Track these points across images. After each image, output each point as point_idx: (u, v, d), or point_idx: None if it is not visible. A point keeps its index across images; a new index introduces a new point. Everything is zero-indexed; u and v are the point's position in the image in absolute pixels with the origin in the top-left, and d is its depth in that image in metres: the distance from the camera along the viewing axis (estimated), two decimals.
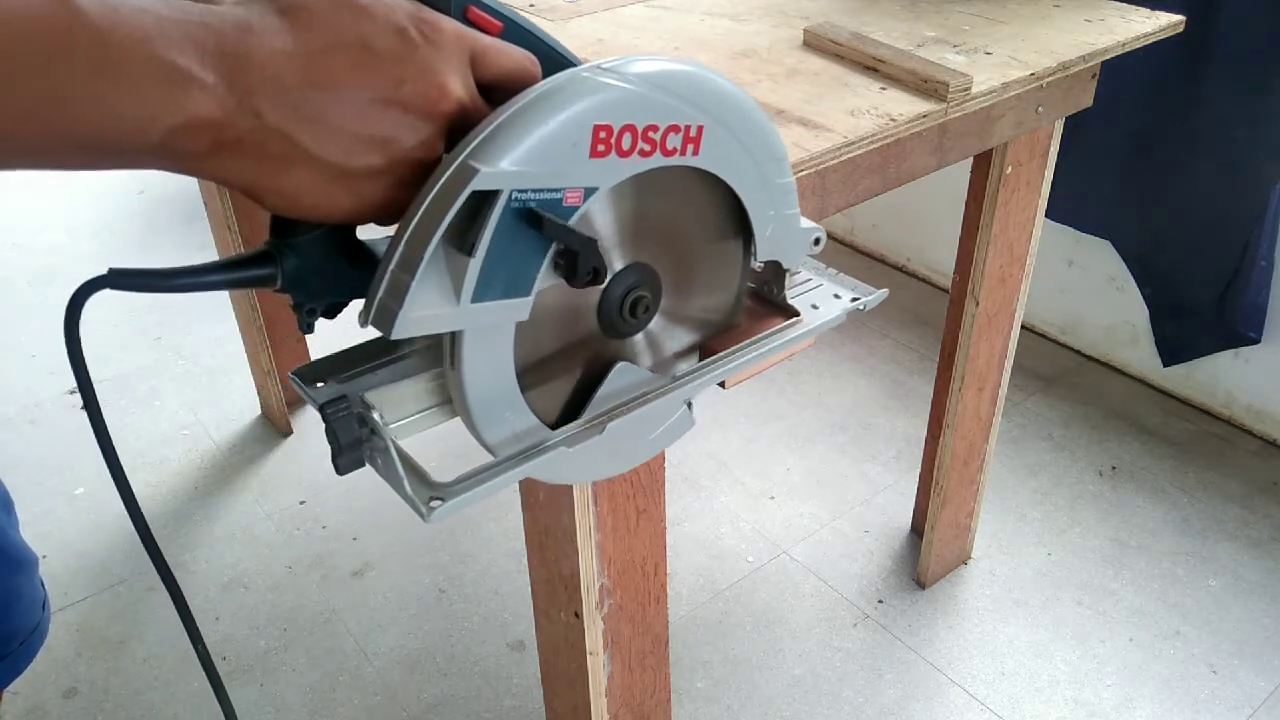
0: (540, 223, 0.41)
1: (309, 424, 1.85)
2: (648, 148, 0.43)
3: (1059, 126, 1.13)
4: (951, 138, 0.95)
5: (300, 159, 0.38)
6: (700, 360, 0.56)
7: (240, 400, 1.91)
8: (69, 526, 1.63)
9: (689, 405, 0.55)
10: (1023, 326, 1.33)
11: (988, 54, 0.97)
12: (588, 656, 0.90)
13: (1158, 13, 1.08)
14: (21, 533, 0.85)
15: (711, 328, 0.56)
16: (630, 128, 0.42)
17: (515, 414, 0.47)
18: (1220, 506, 1.65)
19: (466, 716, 1.33)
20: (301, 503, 1.67)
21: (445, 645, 1.43)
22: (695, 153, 0.46)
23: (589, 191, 0.42)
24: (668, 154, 0.44)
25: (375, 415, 0.45)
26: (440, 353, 0.47)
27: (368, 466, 0.47)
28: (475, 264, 0.40)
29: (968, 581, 1.52)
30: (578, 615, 0.88)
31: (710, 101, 0.45)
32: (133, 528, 1.60)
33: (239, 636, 1.44)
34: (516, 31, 0.47)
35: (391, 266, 0.40)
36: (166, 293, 0.42)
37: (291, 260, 0.44)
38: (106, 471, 0.46)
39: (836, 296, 0.60)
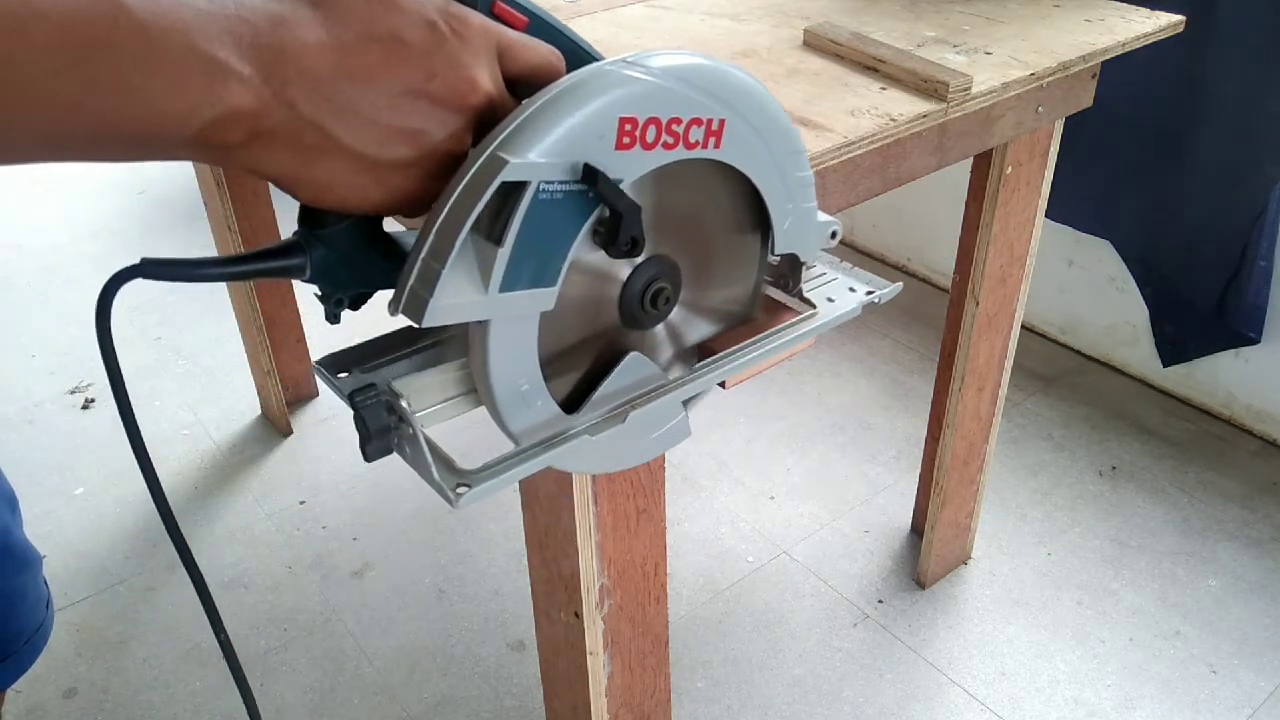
0: (595, 178, 0.42)
1: (309, 424, 1.85)
2: (671, 140, 0.44)
3: (1059, 126, 1.13)
4: (951, 138, 0.95)
5: (333, 150, 0.38)
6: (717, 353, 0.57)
7: (240, 400, 1.91)
8: (69, 526, 1.63)
9: (686, 411, 0.55)
10: (1023, 326, 1.33)
11: (988, 54, 0.97)
12: (588, 656, 0.90)
13: (1158, 13, 1.08)
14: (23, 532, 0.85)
15: (729, 320, 0.57)
16: (654, 120, 0.43)
17: (539, 403, 0.48)
18: (1220, 506, 1.65)
19: (466, 716, 1.33)
20: (301, 503, 1.67)
21: (445, 645, 1.43)
22: (717, 146, 0.46)
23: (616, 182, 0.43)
24: (690, 147, 0.45)
25: (403, 403, 0.46)
26: (463, 343, 0.47)
27: (379, 461, 0.47)
28: (504, 253, 0.41)
29: (968, 581, 1.52)
30: (578, 615, 0.88)
31: (732, 95, 0.46)
32: (131, 527, 1.59)
33: (239, 636, 1.44)
34: (541, 26, 0.48)
35: (422, 255, 0.41)
36: (197, 282, 0.43)
37: (320, 251, 0.44)
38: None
39: (851, 290, 0.61)
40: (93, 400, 1.91)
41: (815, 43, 0.99)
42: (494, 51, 0.42)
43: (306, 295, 2.04)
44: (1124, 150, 1.73)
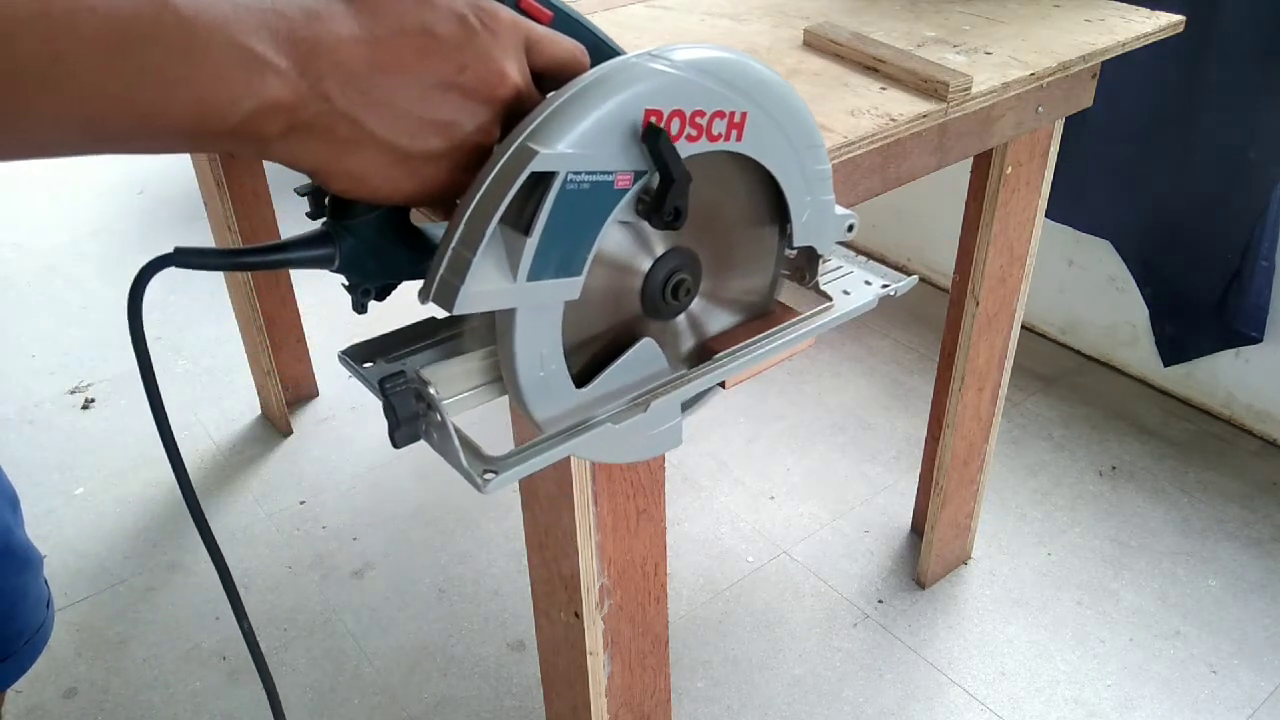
0: (658, 136, 0.43)
1: (309, 424, 1.85)
2: (694, 133, 0.45)
3: (1059, 126, 1.13)
4: (951, 138, 0.95)
5: (366, 141, 0.39)
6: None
7: (240, 400, 1.91)
8: (69, 526, 1.63)
9: (681, 417, 0.55)
10: (1023, 326, 1.33)
11: (988, 54, 0.97)
12: (588, 656, 0.90)
13: (1158, 13, 1.08)
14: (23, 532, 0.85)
15: (747, 312, 0.57)
16: (679, 113, 0.44)
17: (563, 392, 0.49)
18: (1220, 506, 1.65)
19: (466, 716, 1.33)
20: (301, 503, 1.67)
21: (445, 645, 1.43)
22: (739, 138, 0.47)
23: (639, 174, 0.44)
24: (713, 139, 0.46)
25: (431, 390, 0.46)
26: (484, 334, 0.48)
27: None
28: (532, 243, 0.41)
29: (968, 581, 1.52)
30: (578, 615, 0.88)
31: (754, 88, 0.46)
32: (131, 527, 1.59)
33: (239, 636, 1.44)
34: (566, 21, 0.49)
35: (453, 245, 0.41)
36: (228, 271, 0.45)
37: (349, 241, 0.45)
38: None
39: (867, 283, 0.61)
40: (93, 400, 1.91)
41: (815, 43, 0.99)
42: (522, 45, 0.43)
43: (306, 295, 2.04)
44: (1124, 150, 1.73)
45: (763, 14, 1.09)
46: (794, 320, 0.58)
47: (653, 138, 0.43)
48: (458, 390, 0.49)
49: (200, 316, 2.15)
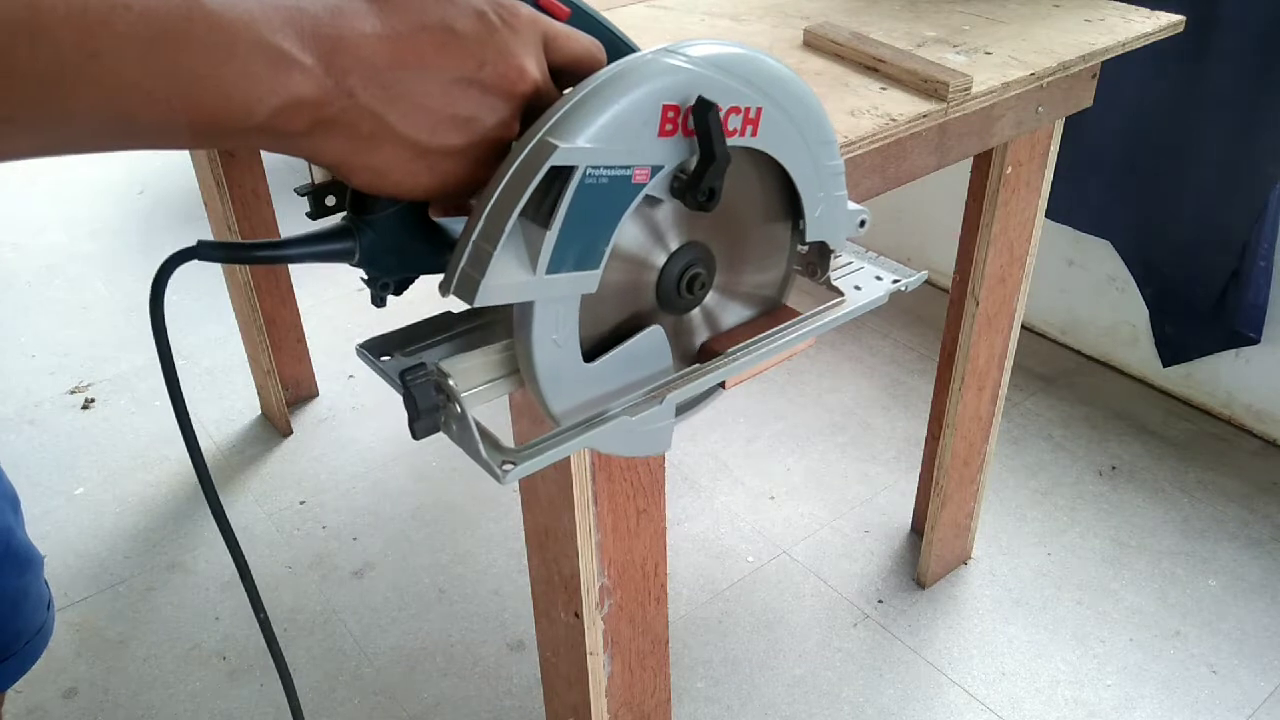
0: (708, 110, 0.43)
1: (309, 424, 1.85)
2: None
3: (1059, 126, 1.13)
4: (951, 138, 0.95)
5: (388, 137, 0.39)
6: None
7: (240, 400, 1.91)
8: (69, 526, 1.63)
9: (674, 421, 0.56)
10: (1023, 326, 1.33)
11: (988, 54, 0.97)
12: (588, 656, 0.90)
13: (1158, 13, 1.08)
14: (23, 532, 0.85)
15: (760, 306, 0.58)
16: None
17: (579, 384, 0.49)
18: (1220, 506, 1.65)
19: (466, 716, 1.33)
20: (301, 503, 1.67)
21: (445, 645, 1.43)
22: (754, 134, 0.47)
23: (655, 169, 0.44)
24: (729, 134, 0.46)
25: (451, 383, 0.47)
26: (498, 328, 0.49)
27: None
28: (551, 236, 0.42)
29: (968, 581, 1.52)
30: (578, 615, 0.88)
31: (768, 84, 0.47)
32: (131, 527, 1.59)
33: (239, 636, 1.44)
34: (583, 18, 0.49)
35: (474, 238, 0.42)
36: (249, 264, 0.46)
37: (369, 236, 0.46)
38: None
39: (878, 278, 0.62)
40: (93, 400, 1.91)
41: (815, 43, 0.99)
42: (540, 41, 0.43)
43: (306, 296, 2.04)
44: (1124, 150, 1.73)
45: (763, 14, 1.09)
46: (808, 314, 0.58)
47: (702, 112, 0.43)
48: (476, 383, 0.49)
49: (200, 316, 2.15)
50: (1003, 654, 1.41)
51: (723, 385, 0.57)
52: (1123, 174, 1.75)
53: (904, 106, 0.86)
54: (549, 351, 0.47)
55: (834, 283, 0.60)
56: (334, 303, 2.21)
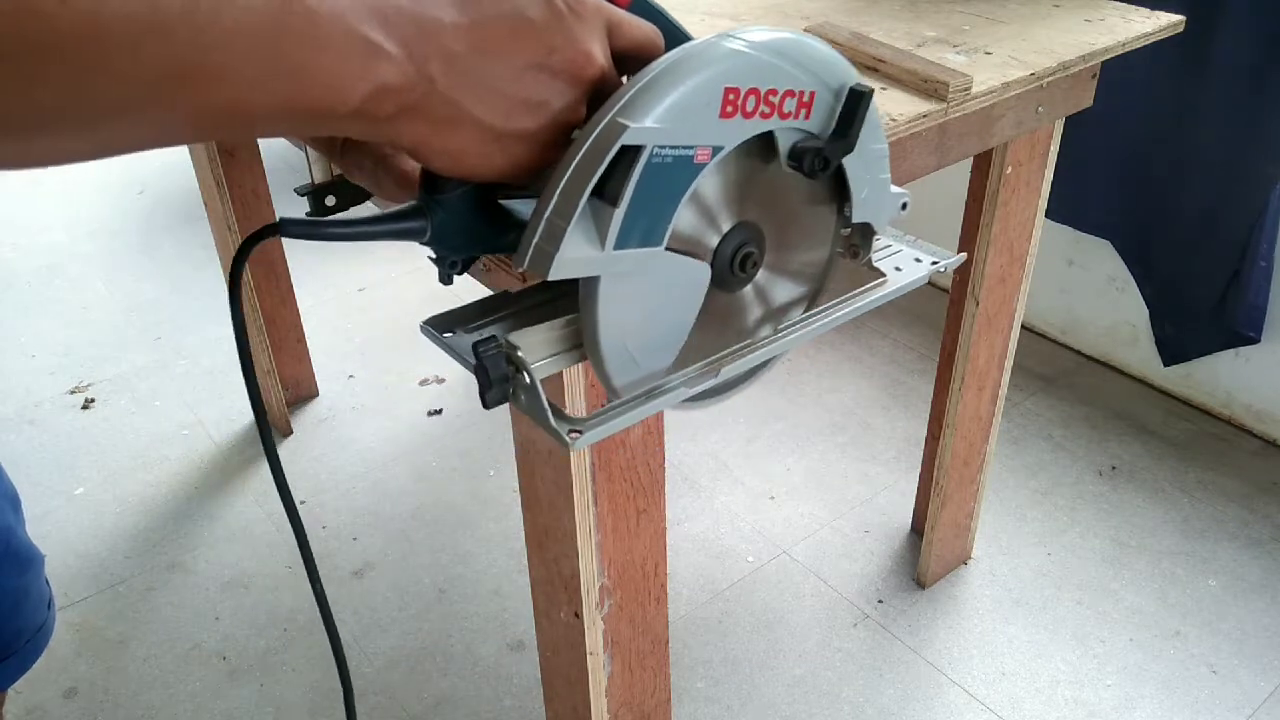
0: (861, 99, 0.49)
1: (309, 424, 1.85)
2: (768, 110, 0.48)
3: (1059, 126, 1.13)
4: (951, 138, 0.95)
5: (464, 121, 0.41)
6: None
7: (240, 400, 1.91)
8: (69, 526, 1.63)
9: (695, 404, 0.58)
10: (1023, 326, 1.33)
11: (988, 54, 0.97)
12: (588, 656, 0.90)
13: (1158, 13, 1.08)
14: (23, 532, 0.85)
15: (806, 284, 0.60)
16: (755, 91, 0.46)
17: (641, 358, 0.52)
18: (1220, 506, 1.65)
19: (466, 716, 1.33)
20: (301, 503, 1.67)
21: (445, 645, 1.43)
22: (807, 116, 0.50)
23: (716, 150, 0.47)
24: (784, 117, 0.48)
25: (520, 354, 0.49)
26: (554, 306, 0.52)
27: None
28: (619, 213, 0.44)
29: (968, 581, 1.52)
30: (578, 615, 0.88)
31: (820, 68, 0.49)
32: (131, 527, 1.58)
33: (239, 636, 1.44)
34: (643, 5, 0.52)
35: (547, 215, 0.44)
36: (329, 241, 0.47)
37: (440, 215, 0.48)
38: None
39: (917, 260, 0.64)
40: (92, 400, 1.91)
41: None
42: (605, 28, 0.45)
43: (306, 295, 2.04)
44: (1124, 150, 1.73)
45: (763, 14, 1.09)
46: (852, 294, 0.60)
47: (855, 98, 0.49)
48: (541, 356, 0.52)
49: (200, 316, 2.15)
50: (1003, 654, 1.41)
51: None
52: (1123, 174, 1.75)
53: (904, 106, 0.86)
54: (613, 326, 0.49)
55: (875, 264, 0.62)
56: (334, 303, 2.21)
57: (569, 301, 0.50)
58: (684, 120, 0.44)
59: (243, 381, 1.92)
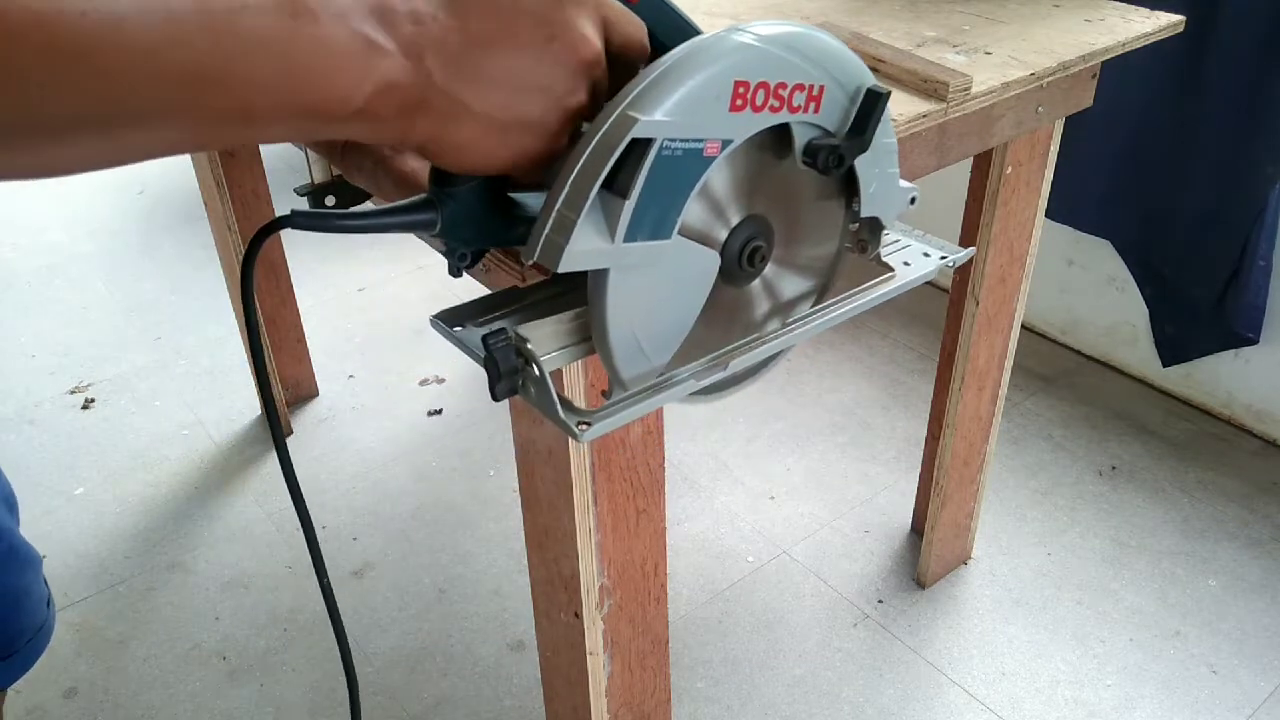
0: (878, 102, 0.49)
1: (309, 424, 1.85)
2: (777, 104, 0.47)
3: (1059, 126, 1.13)
4: (951, 138, 0.95)
5: (465, 115, 0.41)
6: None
7: (240, 400, 1.91)
8: (69, 526, 1.63)
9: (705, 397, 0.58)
10: (1023, 326, 1.33)
11: (988, 54, 0.97)
12: (588, 657, 0.90)
13: (1158, 13, 1.08)
14: (22, 532, 0.85)
15: (814, 278, 0.60)
16: (764, 84, 0.46)
17: (649, 351, 0.51)
18: (1220, 506, 1.65)
19: (466, 716, 1.33)
20: None
21: (445, 645, 1.43)
22: (816, 110, 0.49)
23: (725, 143, 0.46)
24: (794, 110, 0.48)
25: (530, 347, 0.49)
26: (562, 301, 0.52)
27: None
28: (629, 205, 0.44)
29: (968, 581, 1.52)
30: (578, 615, 0.88)
31: (830, 62, 0.49)
32: (131, 527, 1.59)
33: (239, 636, 1.44)
34: (649, 2, 0.51)
35: (557, 207, 0.44)
36: (340, 233, 0.48)
37: (450, 207, 0.48)
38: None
39: (926, 255, 0.64)
40: (93, 400, 1.91)
41: None
42: (600, 20, 0.45)
43: (306, 295, 2.04)
44: (1124, 150, 1.73)
45: (762, 13, 1.09)
46: (860, 288, 0.60)
47: (873, 99, 0.49)
48: (550, 349, 0.52)
49: (200, 316, 2.15)
50: (1003, 654, 1.41)
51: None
52: (1122, 174, 1.75)
53: (904, 106, 0.86)
54: (622, 319, 0.49)
55: (884, 259, 0.61)
56: (334, 303, 2.21)
57: (577, 295, 0.50)
58: (694, 113, 0.44)
59: (242, 381, 1.92)
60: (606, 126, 0.43)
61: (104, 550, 1.59)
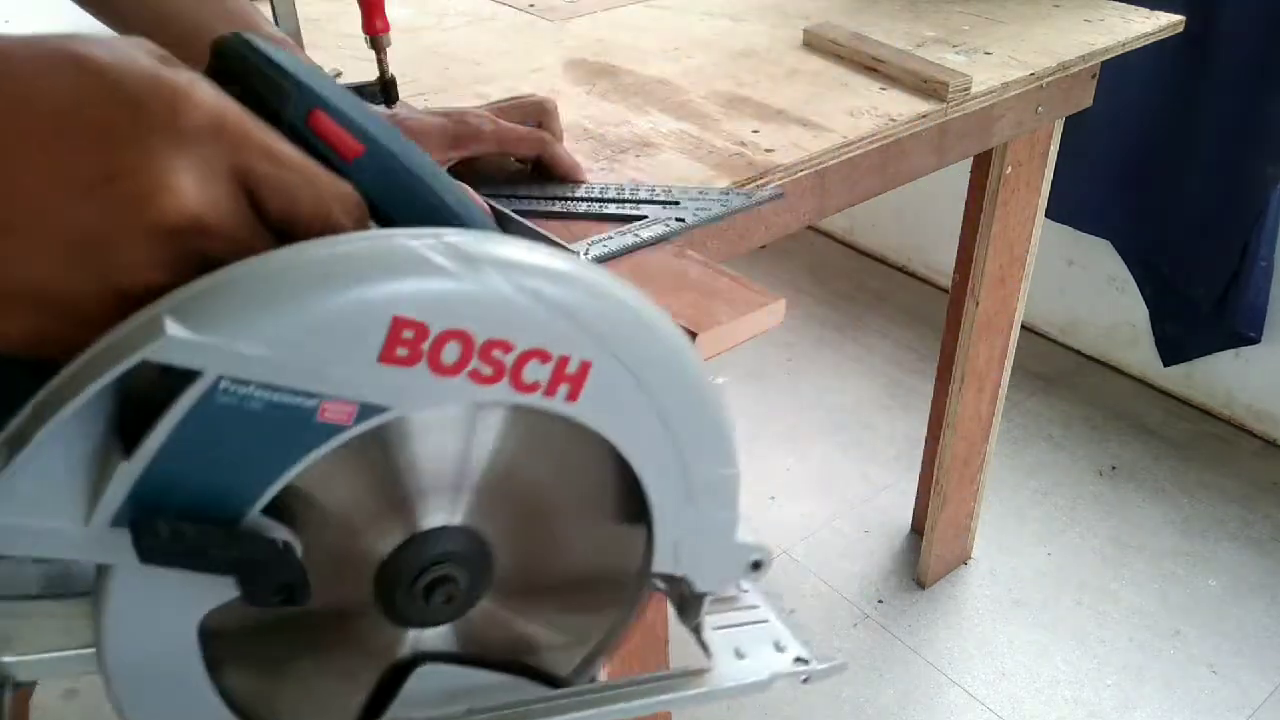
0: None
1: None
2: (488, 371, 0.30)
3: (1059, 126, 1.13)
4: (951, 138, 0.95)
5: None
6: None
7: None
8: None
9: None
10: (1023, 326, 1.33)
11: (988, 54, 0.97)
12: None
13: (1158, 13, 1.08)
14: None
15: (573, 641, 0.40)
16: (459, 335, 0.29)
17: (188, 697, 0.32)
18: (1220, 506, 1.65)
19: None
20: None
21: None
22: (572, 397, 0.31)
23: (371, 409, 0.29)
24: (523, 389, 0.30)
25: None
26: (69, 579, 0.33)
27: None
28: (130, 471, 0.27)
29: (968, 581, 1.52)
30: None
31: (619, 331, 0.31)
32: None
33: None
34: (383, 159, 0.32)
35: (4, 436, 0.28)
36: None
37: None
38: None
39: (778, 648, 0.42)
40: None
41: (815, 43, 0.99)
42: (230, 171, 0.29)
43: None
44: (1124, 150, 1.73)
45: (762, 14, 1.09)
46: (640, 677, 0.38)
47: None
48: (36, 649, 0.33)
49: None
50: (1003, 654, 1.41)
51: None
52: (1123, 174, 1.75)
53: (903, 106, 0.86)
54: (133, 639, 0.31)
55: (710, 633, 0.40)
56: None
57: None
58: (302, 348, 0.27)
59: None
60: (121, 331, 0.27)
61: None
